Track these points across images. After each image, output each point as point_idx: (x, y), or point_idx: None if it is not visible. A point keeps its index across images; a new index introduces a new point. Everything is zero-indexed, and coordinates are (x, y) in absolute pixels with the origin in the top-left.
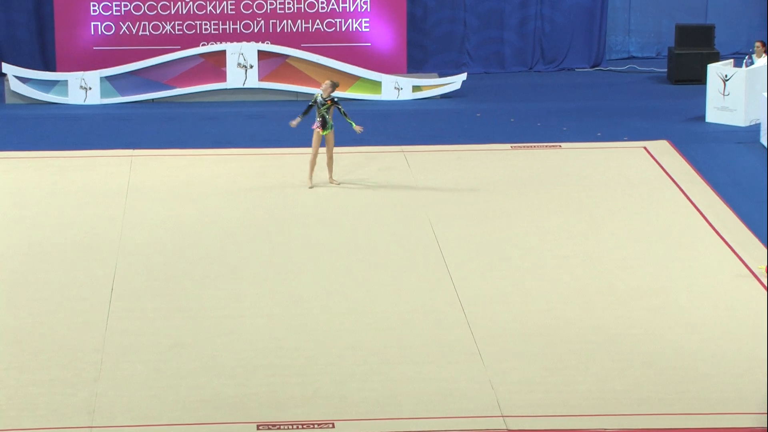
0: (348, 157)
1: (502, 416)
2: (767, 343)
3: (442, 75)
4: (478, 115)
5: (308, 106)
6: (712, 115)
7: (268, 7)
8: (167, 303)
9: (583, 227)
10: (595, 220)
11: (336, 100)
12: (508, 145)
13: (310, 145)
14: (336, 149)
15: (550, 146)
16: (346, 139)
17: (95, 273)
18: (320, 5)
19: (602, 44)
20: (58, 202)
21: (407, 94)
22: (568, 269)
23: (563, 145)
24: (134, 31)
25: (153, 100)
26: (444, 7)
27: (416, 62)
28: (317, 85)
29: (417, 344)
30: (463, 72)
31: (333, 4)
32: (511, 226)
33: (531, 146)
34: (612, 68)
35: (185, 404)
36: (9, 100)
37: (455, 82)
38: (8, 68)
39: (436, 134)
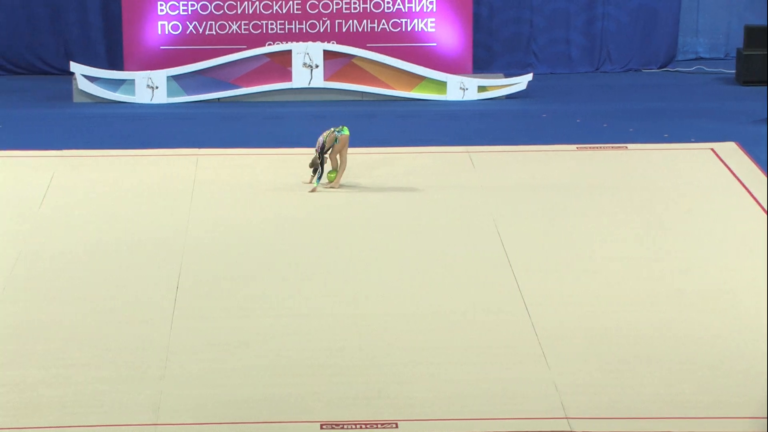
0: (413, 157)
1: (567, 418)
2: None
3: (507, 75)
4: (544, 115)
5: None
6: None
7: (334, 6)
8: (232, 302)
9: (649, 229)
10: (661, 222)
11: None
12: (573, 146)
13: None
14: (400, 149)
15: (616, 147)
16: (411, 139)
17: (161, 272)
18: (386, 5)
19: (673, 45)
20: (125, 201)
21: (472, 95)
22: (634, 271)
23: (629, 146)
24: (201, 30)
25: (219, 99)
26: (510, 8)
27: (482, 63)
28: (383, 85)
29: (481, 345)
30: (528, 72)
31: (399, 4)
32: (576, 227)
33: (597, 147)
34: (679, 69)
35: (249, 403)
36: (77, 99)
37: (521, 82)
38: (76, 67)
39: (502, 135)
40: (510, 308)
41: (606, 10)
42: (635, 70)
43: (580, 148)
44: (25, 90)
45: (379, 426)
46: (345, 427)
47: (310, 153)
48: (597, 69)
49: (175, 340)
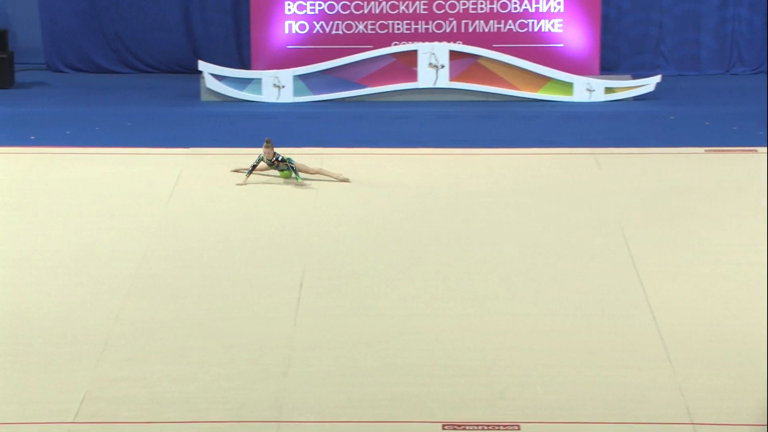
0: (538, 158)
1: (692, 424)
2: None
3: (635, 77)
4: (672, 117)
5: (253, 166)
6: None
7: (461, 7)
8: (354, 301)
9: None
10: None
11: (282, 158)
12: (702, 149)
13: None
14: (525, 150)
15: (745, 150)
16: (536, 140)
17: (284, 269)
18: (513, 5)
19: None
20: (250, 199)
21: (599, 96)
22: (761, 275)
23: (759, 149)
24: (327, 30)
25: (344, 99)
26: (638, 9)
27: (609, 64)
28: (508, 85)
29: (604, 348)
30: (657, 74)
31: (526, 5)
32: (703, 231)
33: (726, 150)
34: None
35: (371, 402)
36: (204, 97)
37: (649, 84)
38: (204, 66)
39: (628, 137)
40: (634, 312)
41: (737, 11)
42: (767, 73)
43: (709, 150)
44: (154, 88)
45: (501, 428)
46: (467, 428)
47: (434, 153)
48: (727, 71)
49: (298, 338)
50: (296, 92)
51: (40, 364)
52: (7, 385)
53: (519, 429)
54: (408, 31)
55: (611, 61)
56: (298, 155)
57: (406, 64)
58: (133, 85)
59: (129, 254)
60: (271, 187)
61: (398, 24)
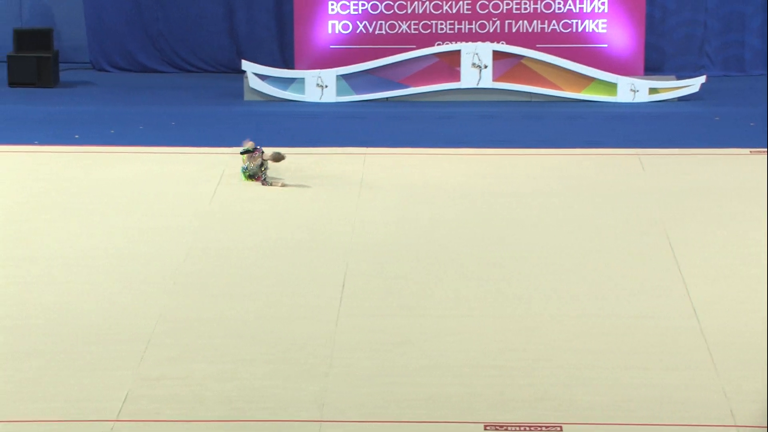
0: (581, 159)
1: (736, 426)
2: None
3: (679, 78)
4: (717, 118)
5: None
6: None
7: (504, 7)
8: (396, 301)
9: None
10: None
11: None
12: (747, 150)
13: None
14: (569, 150)
15: None
16: (579, 140)
17: (328, 269)
18: (557, 6)
19: None
20: (292, 198)
21: (643, 97)
22: None
23: None
24: (370, 30)
25: (387, 98)
26: (684, 10)
27: (653, 64)
28: (552, 86)
29: (646, 349)
30: (701, 75)
31: (570, 5)
32: (748, 232)
33: None
34: None
35: (412, 402)
36: (248, 96)
37: (693, 84)
38: (248, 65)
39: (672, 137)
40: (678, 313)
41: None
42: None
43: (754, 152)
44: (197, 87)
45: (543, 429)
46: (509, 428)
47: (478, 153)
48: None
49: (341, 338)
50: (339, 92)
51: (83, 363)
52: (50, 383)
53: (561, 430)
54: (451, 31)
55: (655, 61)
56: (341, 155)
57: (450, 64)
58: (176, 85)
59: (172, 253)
60: (314, 188)
61: (441, 24)
